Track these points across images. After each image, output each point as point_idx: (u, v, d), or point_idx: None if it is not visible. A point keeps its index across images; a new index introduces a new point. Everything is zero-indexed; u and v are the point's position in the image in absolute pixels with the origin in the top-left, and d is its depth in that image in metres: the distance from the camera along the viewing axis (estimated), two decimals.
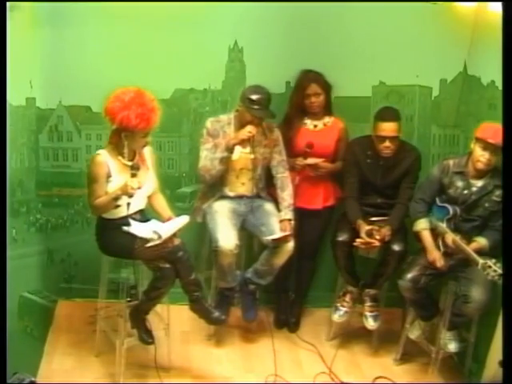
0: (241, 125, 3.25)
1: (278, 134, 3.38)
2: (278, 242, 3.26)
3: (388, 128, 3.21)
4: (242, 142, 3.23)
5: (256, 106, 3.17)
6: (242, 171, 3.34)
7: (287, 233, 3.25)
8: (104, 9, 3.33)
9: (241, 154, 3.30)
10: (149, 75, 3.27)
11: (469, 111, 3.67)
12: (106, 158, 2.85)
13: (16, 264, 3.40)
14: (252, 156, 3.30)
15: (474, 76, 3.56)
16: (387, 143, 3.24)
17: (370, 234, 3.25)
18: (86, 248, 3.59)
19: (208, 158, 3.26)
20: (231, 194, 3.39)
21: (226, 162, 3.25)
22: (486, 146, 2.97)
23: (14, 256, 3.43)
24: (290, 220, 3.30)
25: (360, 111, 3.63)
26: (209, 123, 3.31)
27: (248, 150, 3.30)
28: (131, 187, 2.77)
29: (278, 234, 3.24)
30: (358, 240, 3.25)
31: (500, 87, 3.25)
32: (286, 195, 3.35)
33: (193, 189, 3.75)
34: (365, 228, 3.26)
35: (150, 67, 3.29)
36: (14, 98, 3.38)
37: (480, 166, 3.03)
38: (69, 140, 3.68)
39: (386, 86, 3.68)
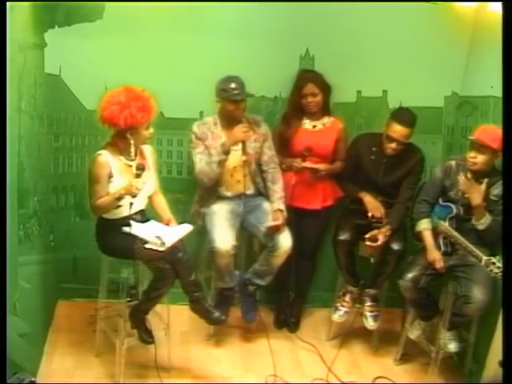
0: (226, 122, 3.27)
1: (265, 128, 3.38)
2: (271, 233, 3.26)
3: (400, 132, 3.20)
4: (238, 142, 3.23)
5: (234, 92, 3.17)
6: (236, 169, 3.32)
7: (278, 222, 3.25)
8: (174, 18, 3.37)
9: (233, 151, 3.29)
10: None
11: None
12: (107, 158, 2.84)
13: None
14: (243, 153, 3.28)
15: None
16: (394, 145, 3.23)
17: (374, 240, 3.27)
18: None
19: (203, 161, 3.25)
20: (228, 193, 3.38)
21: (223, 164, 3.25)
22: (473, 144, 3.01)
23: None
24: (281, 211, 3.30)
25: (431, 122, 3.56)
26: (195, 127, 3.30)
27: (239, 146, 3.29)
28: (136, 187, 2.77)
29: (269, 223, 3.25)
30: (367, 237, 3.28)
31: None
32: (278, 188, 3.35)
33: None
34: (369, 199, 3.33)
35: (220, 75, 3.25)
36: (88, 102, 3.45)
37: (468, 165, 3.06)
38: None
39: (459, 96, 3.64)
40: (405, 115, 3.25)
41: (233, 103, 3.20)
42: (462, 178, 3.08)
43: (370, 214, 3.33)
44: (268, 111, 3.65)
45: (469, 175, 3.06)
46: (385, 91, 3.67)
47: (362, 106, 3.70)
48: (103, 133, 3.37)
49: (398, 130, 3.20)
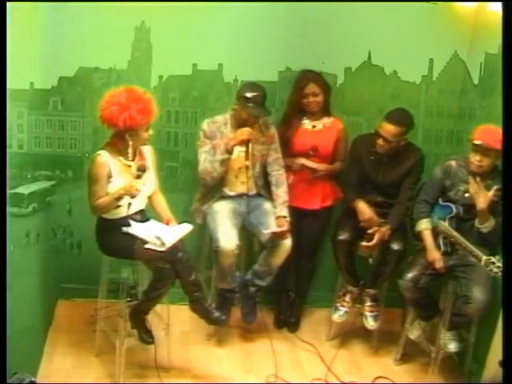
0: (237, 124, 3.25)
1: (273, 131, 3.37)
2: (275, 239, 3.26)
3: (387, 129, 3.21)
4: (241, 143, 3.22)
5: (251, 104, 3.16)
6: (241, 170, 3.32)
7: (283, 229, 3.24)
8: None
9: (239, 153, 3.28)
10: (53, 52, 3.14)
11: (372, 100, 3.69)
12: (106, 159, 2.84)
13: None
14: (246, 157, 3.26)
15: (378, 66, 3.61)
16: (381, 142, 3.24)
17: (371, 239, 3.27)
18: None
19: (207, 160, 3.24)
20: (231, 193, 3.38)
21: (227, 163, 3.24)
22: (476, 147, 2.99)
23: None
24: (285, 217, 3.29)
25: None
26: (205, 125, 3.29)
27: (245, 148, 3.27)
28: (136, 188, 2.77)
29: (273, 229, 3.24)
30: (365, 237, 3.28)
31: (402, 78, 3.64)
32: (281, 192, 3.35)
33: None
34: (362, 209, 3.30)
35: (54, 43, 3.11)
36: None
37: (472, 167, 3.05)
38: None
39: (292, 71, 3.58)
40: (396, 114, 3.25)
41: (247, 114, 3.18)
42: (471, 180, 3.07)
43: (361, 224, 3.32)
44: (102, 83, 3.46)
45: (477, 178, 3.05)
46: (220, 65, 3.59)
47: (197, 79, 3.60)
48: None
49: (385, 127, 3.21)
